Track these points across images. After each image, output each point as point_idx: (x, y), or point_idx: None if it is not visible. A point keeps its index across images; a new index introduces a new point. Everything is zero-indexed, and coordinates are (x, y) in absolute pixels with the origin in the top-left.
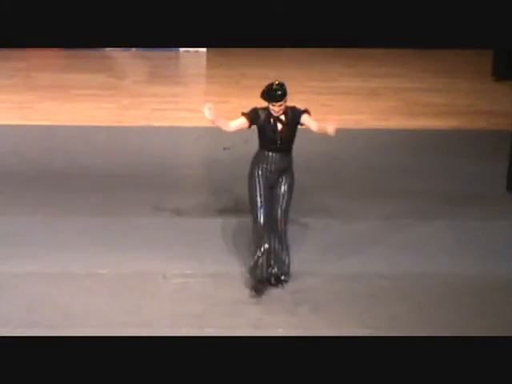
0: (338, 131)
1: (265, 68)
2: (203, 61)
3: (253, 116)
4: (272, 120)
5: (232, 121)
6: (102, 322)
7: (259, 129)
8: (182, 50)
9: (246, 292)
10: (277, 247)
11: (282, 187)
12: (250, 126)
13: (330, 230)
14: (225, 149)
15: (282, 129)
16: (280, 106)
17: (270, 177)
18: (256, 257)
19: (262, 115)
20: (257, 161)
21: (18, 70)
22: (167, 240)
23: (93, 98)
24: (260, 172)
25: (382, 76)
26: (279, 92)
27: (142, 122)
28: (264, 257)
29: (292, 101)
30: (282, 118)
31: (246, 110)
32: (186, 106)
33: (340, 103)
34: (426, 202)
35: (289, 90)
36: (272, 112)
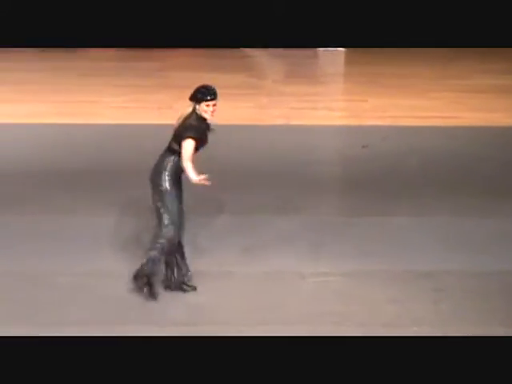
0: (470, 129)
1: (401, 67)
2: (341, 59)
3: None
4: (207, 129)
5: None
6: (239, 321)
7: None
8: (320, 48)
9: (383, 290)
10: (180, 257)
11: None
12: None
13: (464, 228)
14: (363, 147)
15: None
16: (215, 105)
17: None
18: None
19: (202, 127)
20: (174, 173)
21: (154, 70)
22: (302, 239)
23: (231, 97)
24: (177, 186)
25: None
26: (214, 89)
27: (280, 121)
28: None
29: (425, 98)
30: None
31: (193, 135)
32: (325, 104)
33: (472, 101)
34: None
35: (422, 88)
36: (206, 115)
